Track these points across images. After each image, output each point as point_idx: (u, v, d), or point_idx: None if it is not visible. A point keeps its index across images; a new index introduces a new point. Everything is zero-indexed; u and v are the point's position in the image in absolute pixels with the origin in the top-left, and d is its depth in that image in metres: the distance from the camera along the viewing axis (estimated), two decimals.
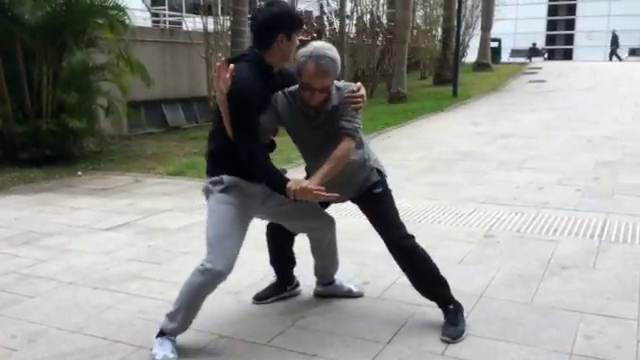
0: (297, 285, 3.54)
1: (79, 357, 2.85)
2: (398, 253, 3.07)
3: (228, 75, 2.71)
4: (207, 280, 2.80)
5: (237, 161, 2.81)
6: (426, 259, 3.08)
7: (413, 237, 3.09)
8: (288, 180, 2.76)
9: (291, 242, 3.38)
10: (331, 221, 3.25)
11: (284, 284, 3.48)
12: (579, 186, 6.14)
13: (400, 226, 3.08)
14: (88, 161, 8.43)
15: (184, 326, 2.88)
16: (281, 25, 2.77)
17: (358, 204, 3.18)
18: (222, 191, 2.85)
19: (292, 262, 3.44)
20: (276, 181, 2.79)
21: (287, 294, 3.48)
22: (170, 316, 2.86)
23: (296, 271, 3.50)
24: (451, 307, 3.07)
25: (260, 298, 3.45)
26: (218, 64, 2.75)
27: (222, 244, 2.81)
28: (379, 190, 3.09)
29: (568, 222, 4.89)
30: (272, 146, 3.04)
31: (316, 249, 3.34)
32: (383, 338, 2.96)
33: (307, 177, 3.20)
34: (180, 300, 2.85)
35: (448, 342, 2.91)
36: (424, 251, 3.09)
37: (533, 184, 6.29)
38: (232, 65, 2.75)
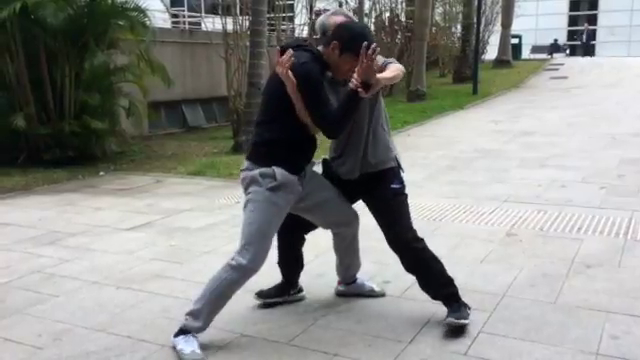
0: (300, 291, 3.47)
1: (104, 356, 2.88)
2: (410, 253, 3.06)
3: (287, 60, 2.71)
4: (239, 276, 2.82)
5: (293, 152, 2.84)
6: (437, 259, 3.08)
7: (423, 239, 3.08)
8: (352, 88, 2.67)
9: (302, 242, 3.35)
10: (356, 216, 3.24)
11: (288, 287, 3.42)
12: (603, 184, 6.04)
13: (412, 227, 3.07)
14: (110, 161, 8.52)
15: (207, 323, 2.90)
16: (340, 37, 2.78)
17: (370, 197, 3.13)
18: (271, 189, 2.81)
19: (300, 264, 3.40)
20: (350, 101, 2.70)
21: (289, 298, 3.42)
22: (194, 314, 2.87)
23: (318, 269, 3.51)
24: (457, 304, 3.07)
25: (262, 295, 3.40)
26: (278, 50, 2.83)
27: (261, 243, 2.82)
28: (398, 186, 3.08)
29: (592, 220, 4.82)
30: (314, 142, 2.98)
31: (339, 246, 3.33)
32: (405, 337, 2.94)
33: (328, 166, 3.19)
34: (206, 297, 2.85)
35: (456, 323, 2.93)
36: (432, 252, 3.08)
37: (556, 182, 6.21)
38: (290, 50, 2.74)
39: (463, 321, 2.96)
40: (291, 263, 3.38)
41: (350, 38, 2.74)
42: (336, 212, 3.16)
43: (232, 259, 2.83)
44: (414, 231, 3.06)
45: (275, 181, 2.80)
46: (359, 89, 2.63)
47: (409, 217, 3.08)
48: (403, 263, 3.10)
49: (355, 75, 2.65)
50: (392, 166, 3.10)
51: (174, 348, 2.85)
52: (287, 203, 2.89)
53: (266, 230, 2.83)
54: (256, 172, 2.83)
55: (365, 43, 2.56)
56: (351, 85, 2.66)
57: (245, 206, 2.89)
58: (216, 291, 2.85)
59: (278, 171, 2.80)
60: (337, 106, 2.75)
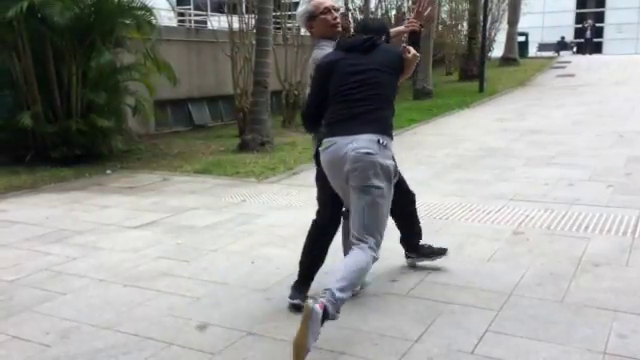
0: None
1: (111, 353, 2.89)
2: (411, 216, 3.75)
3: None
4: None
5: None
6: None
7: None
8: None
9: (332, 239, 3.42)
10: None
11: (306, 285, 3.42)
12: (611, 182, 6.01)
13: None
14: (117, 160, 8.55)
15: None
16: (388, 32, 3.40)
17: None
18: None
19: (322, 262, 3.43)
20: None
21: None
22: (344, 289, 2.74)
23: (324, 267, 3.48)
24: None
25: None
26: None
27: None
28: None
29: (600, 219, 4.80)
30: None
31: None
32: (411, 336, 2.94)
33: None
34: (352, 279, 2.79)
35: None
36: None
37: (563, 180, 6.18)
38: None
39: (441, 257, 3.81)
40: (316, 259, 3.41)
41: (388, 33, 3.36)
42: None
43: (373, 251, 2.87)
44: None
45: (396, 177, 2.99)
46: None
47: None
48: (405, 224, 3.75)
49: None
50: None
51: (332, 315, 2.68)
52: None
53: None
54: (392, 164, 2.92)
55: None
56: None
57: (375, 195, 2.86)
58: (360, 275, 2.86)
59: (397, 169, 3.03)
60: None
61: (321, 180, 3.28)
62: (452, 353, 2.77)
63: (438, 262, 3.84)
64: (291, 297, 3.32)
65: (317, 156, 3.32)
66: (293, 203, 5.78)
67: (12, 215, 5.64)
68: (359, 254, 2.84)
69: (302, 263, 3.40)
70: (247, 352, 2.86)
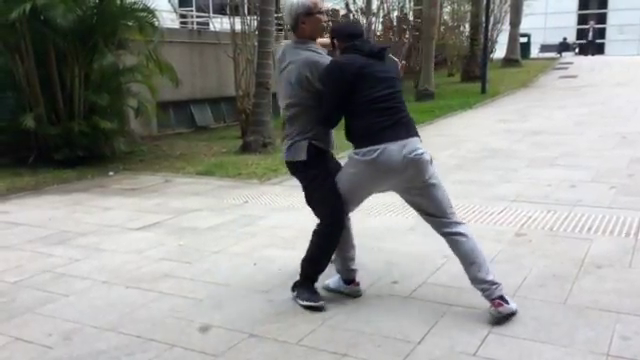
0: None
1: (113, 355, 2.89)
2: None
3: None
4: None
5: None
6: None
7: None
8: None
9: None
10: None
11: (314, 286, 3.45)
12: (613, 183, 6.00)
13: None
14: (119, 161, 8.56)
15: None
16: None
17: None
18: None
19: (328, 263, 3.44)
20: None
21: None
22: (494, 282, 3.12)
23: (326, 269, 3.49)
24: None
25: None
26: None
27: None
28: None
29: (602, 220, 4.78)
30: None
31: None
32: (414, 338, 2.94)
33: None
34: (484, 259, 3.17)
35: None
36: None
37: (565, 182, 6.17)
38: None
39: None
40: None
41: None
42: None
43: (458, 224, 3.17)
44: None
45: None
46: None
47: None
48: None
49: None
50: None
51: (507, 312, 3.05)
52: None
53: None
54: (429, 154, 3.19)
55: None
56: None
57: (435, 180, 3.19)
58: (479, 250, 3.17)
59: None
60: None
61: (325, 188, 3.25)
62: (455, 355, 2.77)
63: (439, 263, 3.83)
64: (308, 300, 3.31)
65: (304, 168, 3.29)
66: (295, 204, 5.77)
67: (15, 217, 5.66)
68: (462, 240, 3.14)
69: (307, 269, 3.38)
70: (249, 354, 2.86)
